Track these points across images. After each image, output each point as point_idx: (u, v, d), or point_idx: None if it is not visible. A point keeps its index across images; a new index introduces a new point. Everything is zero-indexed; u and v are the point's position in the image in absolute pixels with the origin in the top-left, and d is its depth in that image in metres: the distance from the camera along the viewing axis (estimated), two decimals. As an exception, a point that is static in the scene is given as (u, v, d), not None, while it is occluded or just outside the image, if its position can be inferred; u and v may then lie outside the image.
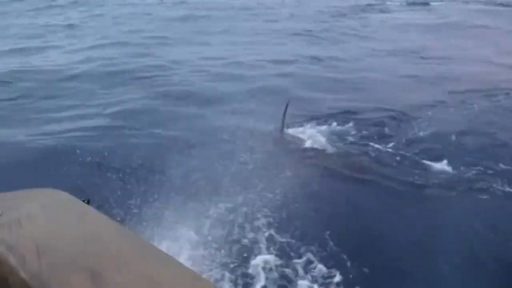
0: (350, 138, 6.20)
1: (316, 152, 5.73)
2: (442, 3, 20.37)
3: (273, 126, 6.24)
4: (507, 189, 4.77)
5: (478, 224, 4.18)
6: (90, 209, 1.37)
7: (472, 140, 6.13)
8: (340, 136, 6.23)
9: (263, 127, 6.22)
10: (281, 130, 6.14)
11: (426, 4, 20.41)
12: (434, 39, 13.26)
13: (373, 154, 5.70)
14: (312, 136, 6.13)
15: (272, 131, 6.21)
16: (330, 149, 5.81)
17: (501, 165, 5.28)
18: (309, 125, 6.55)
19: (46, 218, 1.28)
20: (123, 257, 1.06)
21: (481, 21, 15.86)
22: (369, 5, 20.55)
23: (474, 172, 5.14)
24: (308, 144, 5.92)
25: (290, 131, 6.26)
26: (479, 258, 3.78)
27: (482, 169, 5.20)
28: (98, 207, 1.46)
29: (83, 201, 1.43)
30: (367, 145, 5.95)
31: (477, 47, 12.16)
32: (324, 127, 6.52)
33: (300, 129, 6.40)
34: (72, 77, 9.38)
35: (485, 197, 4.64)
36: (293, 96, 7.42)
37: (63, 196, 1.46)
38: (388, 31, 14.86)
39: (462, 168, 5.22)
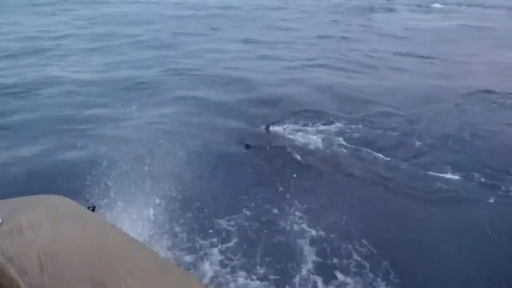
0: (342, 141, 6.19)
1: (302, 152, 5.77)
2: (447, 6, 20.24)
3: (263, 126, 6.43)
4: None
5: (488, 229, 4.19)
6: (95, 216, 1.33)
7: (478, 141, 6.19)
8: (330, 138, 6.25)
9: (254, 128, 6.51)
10: (268, 129, 6.28)
11: (431, 6, 20.28)
12: (440, 41, 13.22)
13: (365, 157, 5.71)
14: (299, 136, 6.22)
15: (259, 130, 6.37)
16: (317, 150, 5.87)
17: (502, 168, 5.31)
18: (298, 126, 6.62)
19: (49, 226, 1.20)
20: (128, 266, 1.02)
21: (485, 23, 15.77)
22: (377, 5, 20.53)
23: (482, 177, 5.14)
24: (295, 143, 5.97)
25: (277, 130, 6.37)
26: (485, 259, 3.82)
27: (488, 173, 5.21)
28: (104, 214, 1.45)
29: (88, 208, 1.40)
30: (359, 147, 5.95)
31: (480, 48, 12.13)
32: (318, 128, 6.57)
33: (287, 129, 6.49)
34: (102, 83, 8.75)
35: (492, 201, 4.66)
36: (293, 99, 7.48)
37: (67, 203, 1.40)
38: (395, 31, 14.83)
39: (466, 172, 5.22)
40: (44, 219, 1.23)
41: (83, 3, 21.27)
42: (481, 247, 3.95)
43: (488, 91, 8.26)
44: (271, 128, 6.35)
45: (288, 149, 5.78)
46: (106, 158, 4.36)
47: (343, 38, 13.73)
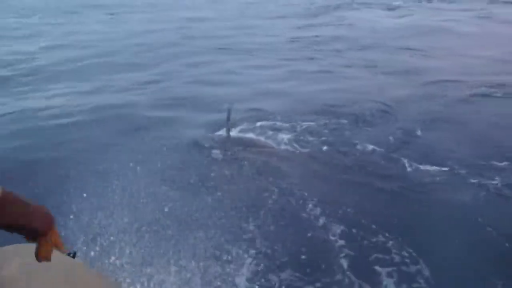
0: (318, 138, 6.30)
1: (265, 152, 5.89)
2: (407, 3, 20.80)
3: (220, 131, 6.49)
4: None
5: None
6: (77, 264, 1.24)
7: (453, 132, 6.38)
8: (294, 138, 6.35)
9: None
10: (228, 134, 6.29)
11: (394, 4, 20.76)
12: (407, 36, 13.57)
13: (343, 154, 5.83)
14: (259, 137, 6.37)
15: (219, 135, 6.42)
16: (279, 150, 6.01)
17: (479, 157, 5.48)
18: (259, 127, 6.75)
19: (23, 281, 1.09)
20: None
21: (447, 17, 16.27)
22: (343, 5, 20.98)
23: (463, 168, 5.24)
24: (256, 146, 6.09)
25: (238, 134, 6.45)
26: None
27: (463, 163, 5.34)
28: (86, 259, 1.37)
29: (69, 255, 1.27)
30: (335, 144, 6.08)
31: (445, 41, 12.53)
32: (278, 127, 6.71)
33: (248, 131, 6.60)
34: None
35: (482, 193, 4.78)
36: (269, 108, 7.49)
37: None
38: (364, 28, 15.19)
39: (446, 165, 5.33)
40: (23, 271, 1.11)
41: (52, 24, 20.81)
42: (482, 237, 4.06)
43: (456, 81, 8.56)
44: (233, 132, 6.37)
45: (259, 151, 5.92)
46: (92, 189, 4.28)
47: (316, 37, 13.99)
